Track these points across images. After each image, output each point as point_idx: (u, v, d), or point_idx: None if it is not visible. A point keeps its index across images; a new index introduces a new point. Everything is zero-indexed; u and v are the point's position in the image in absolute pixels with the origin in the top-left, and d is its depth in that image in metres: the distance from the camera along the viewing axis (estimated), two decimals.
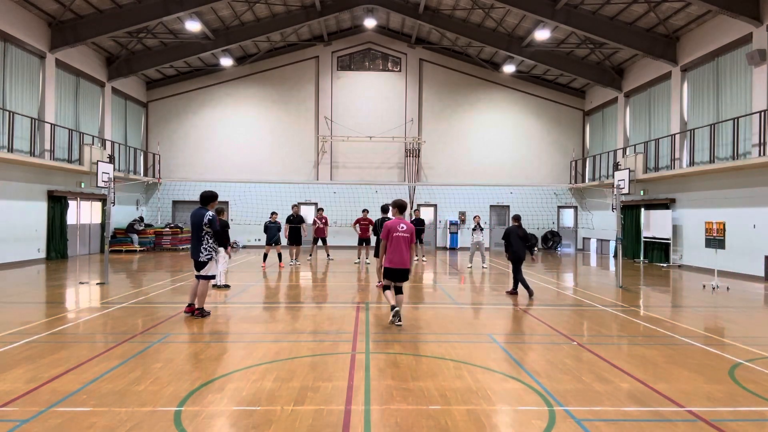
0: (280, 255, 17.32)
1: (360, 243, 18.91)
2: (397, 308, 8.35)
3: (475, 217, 17.69)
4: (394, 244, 8.25)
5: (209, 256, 8.86)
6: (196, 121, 27.38)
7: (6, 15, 17.09)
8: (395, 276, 8.35)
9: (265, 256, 17.20)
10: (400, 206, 8.54)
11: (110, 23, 19.91)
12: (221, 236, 9.10)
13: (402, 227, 8.27)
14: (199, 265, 8.89)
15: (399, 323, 8.34)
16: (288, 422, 4.56)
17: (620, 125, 24.33)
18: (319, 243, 19.75)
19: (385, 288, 8.57)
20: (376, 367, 6.17)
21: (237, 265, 17.81)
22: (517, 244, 11.57)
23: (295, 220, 17.65)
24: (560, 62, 24.66)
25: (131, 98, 25.63)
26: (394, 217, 8.61)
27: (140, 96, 26.62)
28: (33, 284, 13.56)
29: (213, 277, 9.15)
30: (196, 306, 8.97)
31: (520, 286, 11.66)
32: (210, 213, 8.85)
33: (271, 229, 16.98)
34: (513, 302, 10.95)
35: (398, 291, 8.50)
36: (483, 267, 17.44)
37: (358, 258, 19.18)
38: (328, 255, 20.46)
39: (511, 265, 11.84)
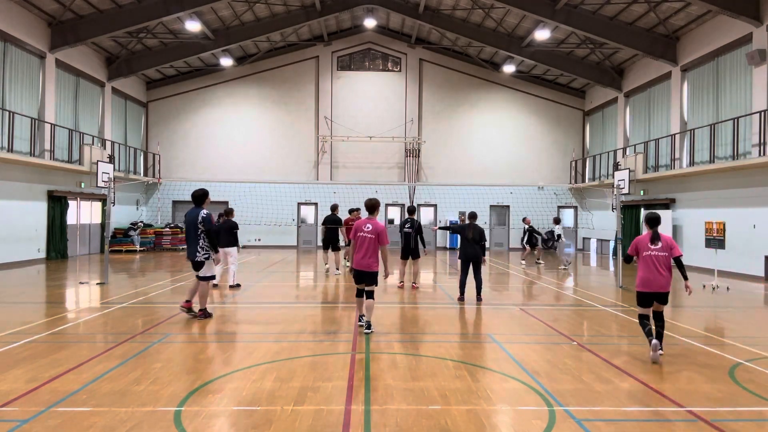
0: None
1: (348, 244, 17.84)
2: (366, 319, 7.90)
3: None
4: (359, 245, 7.82)
5: (206, 256, 8.65)
6: (196, 121, 27.39)
7: (6, 15, 17.08)
8: (361, 278, 7.85)
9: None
10: (369, 206, 8.02)
11: (110, 23, 19.91)
12: (212, 236, 8.64)
13: (368, 227, 7.78)
14: (196, 266, 8.71)
15: (367, 331, 7.80)
16: (288, 422, 4.56)
17: (620, 125, 24.33)
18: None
19: (357, 294, 8.08)
20: (376, 367, 6.17)
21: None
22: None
23: (331, 221, 15.25)
24: (560, 62, 24.66)
25: (131, 98, 25.63)
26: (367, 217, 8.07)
27: (140, 96, 26.61)
28: (33, 284, 13.56)
29: (213, 277, 8.98)
30: (199, 307, 8.84)
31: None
32: (204, 211, 8.60)
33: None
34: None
35: (368, 295, 7.86)
36: None
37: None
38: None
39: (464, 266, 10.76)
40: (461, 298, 10.84)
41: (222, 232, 12.23)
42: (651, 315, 6.86)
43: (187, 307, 8.79)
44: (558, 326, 8.63)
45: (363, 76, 27.85)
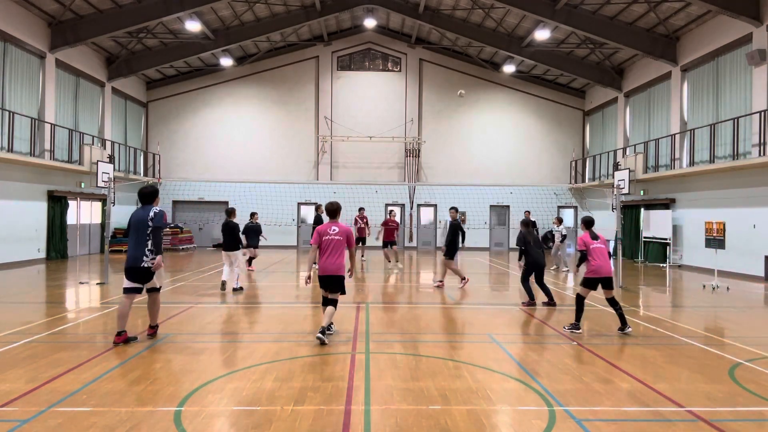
0: (251, 259, 15.92)
1: (384, 246, 17.81)
2: (323, 326, 7.35)
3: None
4: (324, 248, 7.42)
5: (153, 260, 7.24)
6: (196, 121, 27.38)
7: (6, 15, 17.08)
8: (328, 284, 7.44)
9: (250, 260, 15.95)
10: (331, 210, 7.69)
11: (110, 23, 19.91)
12: (159, 236, 7.28)
13: (334, 230, 7.47)
14: (142, 273, 7.18)
15: (320, 335, 7.25)
16: (288, 422, 4.56)
17: (620, 125, 24.33)
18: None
19: (324, 302, 7.59)
20: (376, 367, 6.17)
21: None
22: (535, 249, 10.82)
23: (319, 221, 16.23)
24: (560, 62, 24.66)
25: (131, 98, 25.63)
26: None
27: (140, 96, 26.61)
28: (33, 284, 13.55)
29: (159, 288, 7.61)
30: (150, 324, 7.60)
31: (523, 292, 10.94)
32: (156, 208, 7.32)
33: (251, 232, 15.21)
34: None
35: (330, 302, 7.47)
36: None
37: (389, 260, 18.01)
38: (362, 256, 18.85)
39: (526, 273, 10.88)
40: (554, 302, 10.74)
41: (224, 234, 12.14)
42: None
43: (123, 339, 7.19)
44: (558, 326, 8.63)
45: (363, 76, 27.85)
